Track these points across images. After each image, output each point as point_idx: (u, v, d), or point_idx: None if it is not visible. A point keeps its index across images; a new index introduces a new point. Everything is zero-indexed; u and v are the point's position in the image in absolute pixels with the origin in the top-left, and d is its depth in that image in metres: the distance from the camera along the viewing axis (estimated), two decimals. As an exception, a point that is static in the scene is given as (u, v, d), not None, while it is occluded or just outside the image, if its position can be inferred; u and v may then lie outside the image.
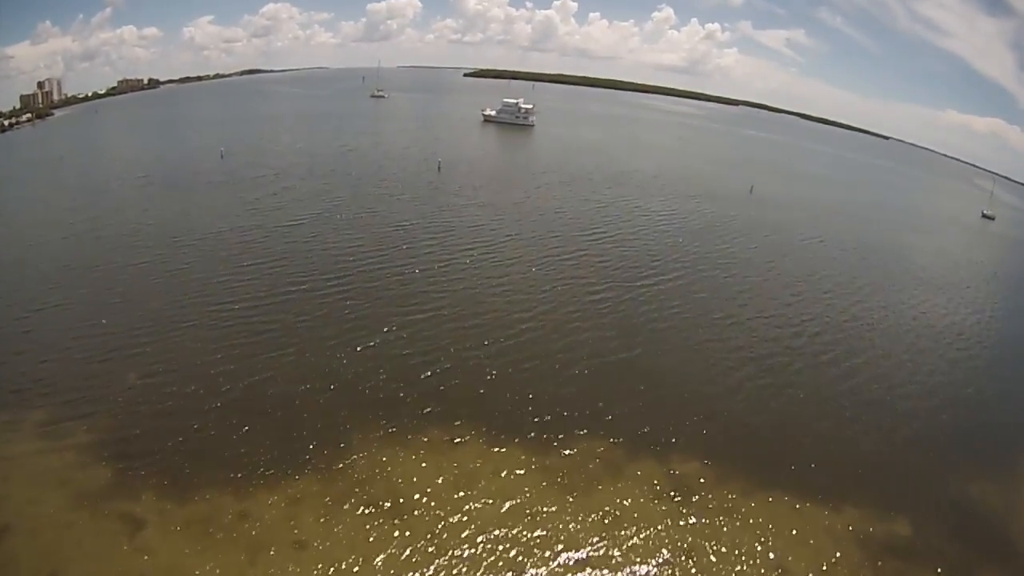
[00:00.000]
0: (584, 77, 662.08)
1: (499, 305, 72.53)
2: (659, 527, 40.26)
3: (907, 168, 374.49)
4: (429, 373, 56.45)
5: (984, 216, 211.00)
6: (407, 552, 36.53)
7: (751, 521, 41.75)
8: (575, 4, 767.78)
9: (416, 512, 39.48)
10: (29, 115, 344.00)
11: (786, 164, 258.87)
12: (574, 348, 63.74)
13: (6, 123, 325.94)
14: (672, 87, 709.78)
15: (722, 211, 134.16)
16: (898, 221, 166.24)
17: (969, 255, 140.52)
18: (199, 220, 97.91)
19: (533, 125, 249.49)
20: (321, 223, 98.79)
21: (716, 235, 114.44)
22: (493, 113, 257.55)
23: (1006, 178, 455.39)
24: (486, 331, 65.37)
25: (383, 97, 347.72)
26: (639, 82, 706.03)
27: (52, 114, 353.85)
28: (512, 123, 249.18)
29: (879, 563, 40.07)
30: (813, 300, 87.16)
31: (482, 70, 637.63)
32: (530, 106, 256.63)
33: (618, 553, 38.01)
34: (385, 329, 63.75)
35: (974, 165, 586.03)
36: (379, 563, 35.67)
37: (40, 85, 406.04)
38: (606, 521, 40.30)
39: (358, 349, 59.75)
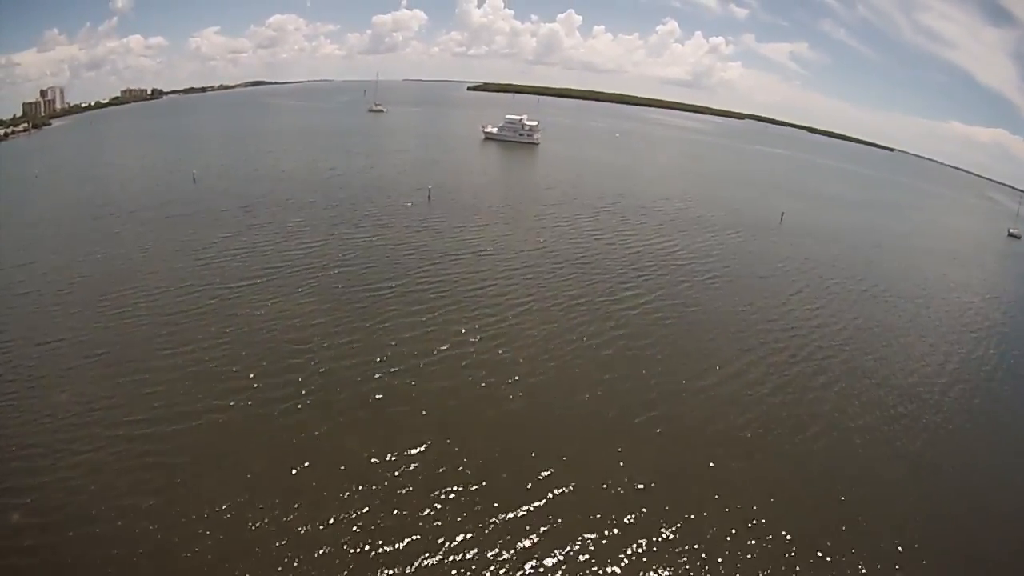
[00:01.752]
0: (590, 91, 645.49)
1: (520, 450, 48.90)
2: None
3: (922, 183, 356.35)
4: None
5: (1010, 235, 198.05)
6: None
7: None
8: (580, 17, 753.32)
9: None
10: (26, 125, 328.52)
11: (807, 184, 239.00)
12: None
13: (1, 132, 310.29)
14: (677, 101, 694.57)
15: (761, 249, 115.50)
16: (936, 252, 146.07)
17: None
18: (138, 274, 79.46)
19: (538, 143, 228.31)
20: (275, 285, 77.79)
21: (768, 287, 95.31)
22: (495, 130, 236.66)
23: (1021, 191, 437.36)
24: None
25: (382, 112, 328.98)
26: (644, 96, 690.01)
27: (50, 124, 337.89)
28: (515, 141, 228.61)
29: None
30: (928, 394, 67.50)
31: (486, 84, 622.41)
32: (534, 123, 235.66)
33: None
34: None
35: (982, 176, 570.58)
36: None
37: (43, 93, 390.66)
38: None
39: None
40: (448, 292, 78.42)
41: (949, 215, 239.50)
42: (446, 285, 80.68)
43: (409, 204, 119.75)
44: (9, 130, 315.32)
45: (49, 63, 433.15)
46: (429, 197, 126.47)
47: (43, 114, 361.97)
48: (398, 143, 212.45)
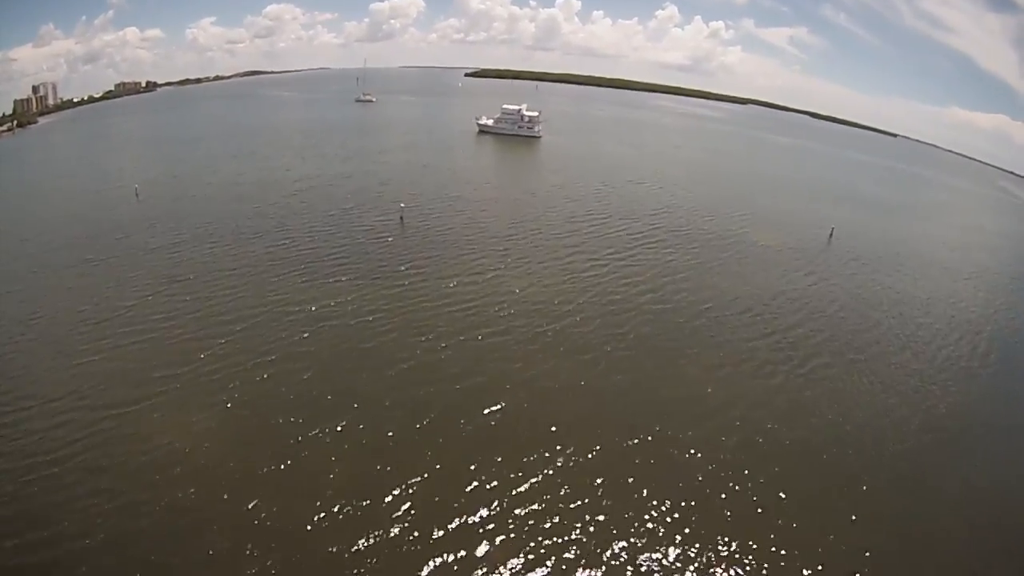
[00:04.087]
0: (590, 76, 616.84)
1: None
2: None
3: (944, 176, 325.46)
4: None
5: None
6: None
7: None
8: (578, 2, 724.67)
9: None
10: (10, 124, 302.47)
11: (838, 182, 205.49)
12: None
13: None
14: (679, 86, 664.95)
15: (821, 290, 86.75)
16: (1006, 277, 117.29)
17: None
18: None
19: (539, 136, 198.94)
20: (180, 363, 56.06)
21: (850, 348, 69.06)
22: (490, 123, 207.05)
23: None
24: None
25: (371, 101, 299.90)
26: (645, 81, 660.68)
27: (36, 122, 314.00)
28: (514, 134, 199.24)
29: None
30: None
31: (484, 70, 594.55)
32: (535, 113, 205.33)
33: None
34: None
35: (988, 164, 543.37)
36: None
37: (35, 90, 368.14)
38: None
39: None
40: (406, 384, 54.08)
41: (980, 214, 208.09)
42: (407, 375, 55.81)
43: (390, 239, 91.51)
44: None
45: (46, 58, 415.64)
46: (402, 219, 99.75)
47: (34, 111, 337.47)
48: (383, 141, 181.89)
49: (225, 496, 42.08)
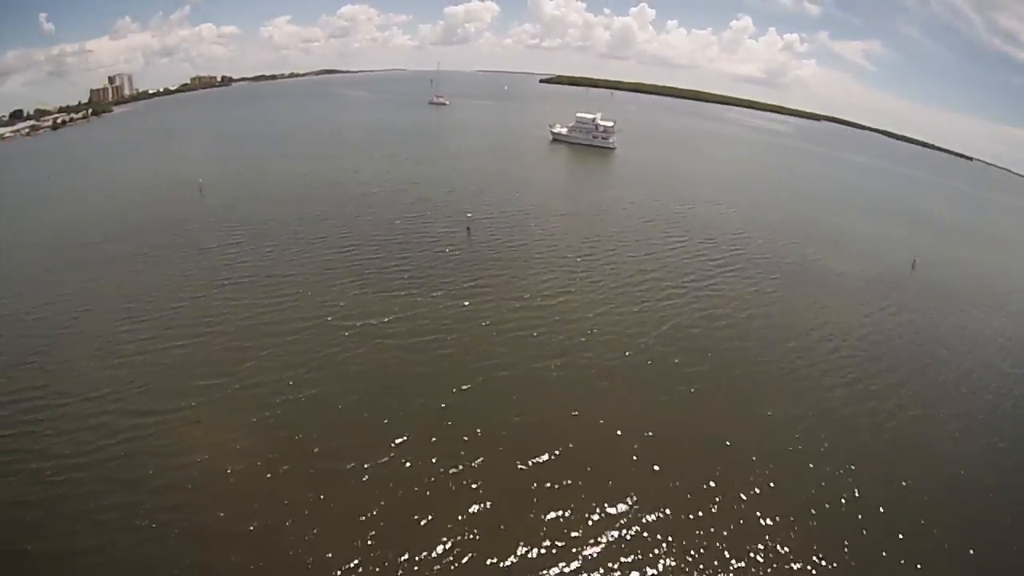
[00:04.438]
0: (664, 87, 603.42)
1: None
2: None
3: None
4: None
5: None
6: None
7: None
8: (653, 11, 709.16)
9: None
10: (85, 112, 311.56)
11: (916, 206, 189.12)
12: None
13: (58, 120, 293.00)
14: (753, 99, 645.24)
15: (908, 331, 76.98)
16: None
17: None
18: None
19: (614, 148, 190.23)
20: (224, 372, 53.31)
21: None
22: (564, 131, 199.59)
23: None
24: None
25: (444, 104, 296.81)
26: (720, 93, 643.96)
27: (111, 111, 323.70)
28: (588, 144, 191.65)
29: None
30: None
31: (558, 76, 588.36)
32: (610, 123, 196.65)
33: None
34: None
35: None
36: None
37: (111, 80, 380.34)
38: None
39: None
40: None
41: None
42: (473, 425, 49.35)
43: (455, 251, 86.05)
44: (68, 117, 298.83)
45: (122, 50, 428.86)
46: (468, 230, 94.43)
47: (110, 100, 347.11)
48: (454, 146, 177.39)
49: (252, 527, 38.24)
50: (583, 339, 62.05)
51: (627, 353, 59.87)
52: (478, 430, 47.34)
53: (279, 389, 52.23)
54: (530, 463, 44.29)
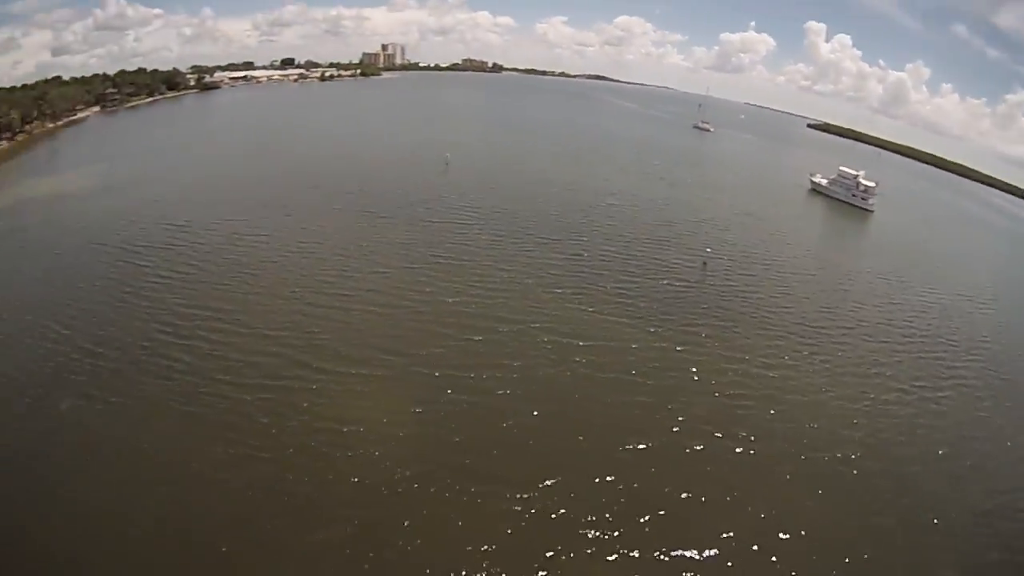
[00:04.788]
0: (932, 155, 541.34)
1: None
2: None
3: None
4: None
5: None
6: None
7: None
8: (928, 71, 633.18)
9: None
10: (354, 71, 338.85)
11: None
12: None
13: (326, 74, 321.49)
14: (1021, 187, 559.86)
15: None
16: None
17: None
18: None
19: (872, 211, 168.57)
20: (406, 348, 53.80)
21: None
22: (824, 183, 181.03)
23: None
24: None
25: (708, 131, 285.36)
26: (986, 172, 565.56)
27: (379, 75, 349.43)
28: (846, 201, 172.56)
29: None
30: None
31: (827, 124, 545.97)
32: (872, 184, 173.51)
33: None
34: None
35: None
36: None
37: (384, 47, 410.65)
38: None
39: None
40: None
41: None
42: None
43: (685, 284, 79.98)
44: (337, 72, 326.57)
45: (398, 23, 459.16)
46: (704, 265, 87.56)
47: (380, 65, 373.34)
48: (710, 176, 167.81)
49: (365, 519, 36.62)
50: (789, 424, 53.22)
51: (826, 457, 49.72)
52: (641, 490, 41.52)
53: (456, 385, 49.97)
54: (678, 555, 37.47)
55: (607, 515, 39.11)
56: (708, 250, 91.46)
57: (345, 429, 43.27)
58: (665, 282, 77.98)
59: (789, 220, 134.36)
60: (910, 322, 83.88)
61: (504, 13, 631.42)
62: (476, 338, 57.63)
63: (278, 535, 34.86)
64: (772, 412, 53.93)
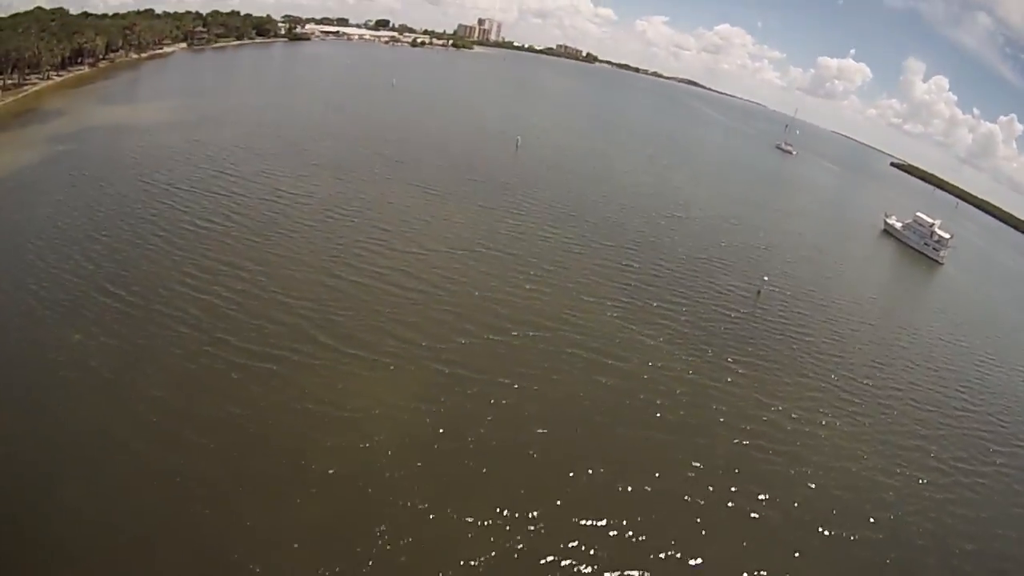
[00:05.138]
0: (1010, 214, 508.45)
1: None
2: None
3: None
4: None
5: None
6: None
7: None
8: (1021, 126, 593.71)
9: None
10: (445, 43, 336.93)
11: None
12: None
13: (417, 40, 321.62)
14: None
15: None
16: None
17: None
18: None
19: (943, 264, 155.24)
20: (426, 333, 49.25)
21: None
22: (898, 226, 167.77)
23: None
24: None
25: (790, 153, 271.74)
26: None
27: (472, 48, 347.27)
28: (917, 249, 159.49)
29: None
30: None
31: (910, 165, 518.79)
32: (947, 235, 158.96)
33: None
34: None
35: None
36: None
37: (480, 21, 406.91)
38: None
39: None
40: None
41: None
42: None
43: (736, 311, 74.14)
44: (429, 40, 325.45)
45: (500, 1, 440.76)
46: (759, 293, 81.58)
47: (474, 39, 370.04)
48: (785, 201, 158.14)
49: (351, 511, 33.34)
50: (812, 489, 46.97)
51: (844, 534, 43.06)
52: (624, 547, 36.03)
53: (465, 386, 45.80)
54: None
55: (582, 565, 34.15)
56: (765, 278, 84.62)
57: (336, 414, 39.91)
58: (714, 307, 71.83)
59: (856, 260, 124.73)
60: (962, 393, 75.39)
61: (606, 4, 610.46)
62: (499, 338, 53.19)
63: (238, 515, 31.35)
64: (796, 472, 47.88)
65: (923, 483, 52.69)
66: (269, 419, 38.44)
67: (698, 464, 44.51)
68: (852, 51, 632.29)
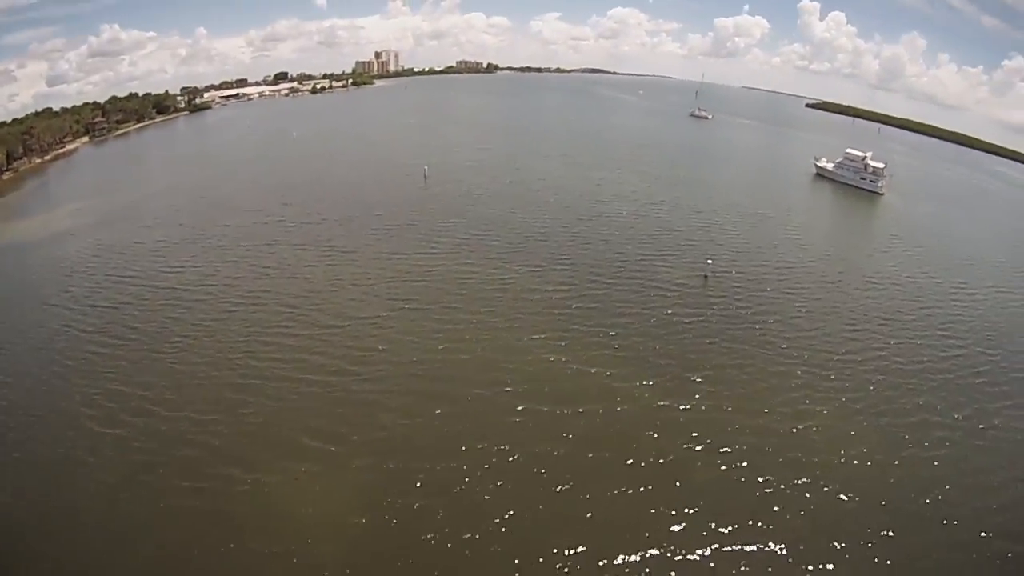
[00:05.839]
0: (931, 127, 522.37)
1: None
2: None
3: None
4: None
5: None
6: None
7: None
8: (924, 42, 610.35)
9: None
10: (345, 83, 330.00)
11: None
12: None
13: (318, 86, 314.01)
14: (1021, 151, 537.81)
15: None
16: None
17: None
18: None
19: (882, 194, 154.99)
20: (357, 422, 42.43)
21: None
22: (830, 167, 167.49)
23: None
24: None
25: (706, 119, 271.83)
26: (987, 141, 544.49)
27: (372, 83, 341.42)
28: (854, 185, 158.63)
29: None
30: None
31: (825, 103, 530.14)
32: (881, 165, 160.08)
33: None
34: None
35: None
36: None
37: (377, 55, 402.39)
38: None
39: None
40: None
41: None
42: None
43: (682, 305, 68.87)
44: (329, 84, 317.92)
45: (393, 29, 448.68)
46: (706, 279, 77.12)
47: (374, 73, 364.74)
48: (713, 172, 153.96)
49: None
50: (816, 503, 41.52)
51: (871, 543, 38.56)
52: None
53: (410, 476, 40.59)
54: None
55: None
56: (709, 261, 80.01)
57: (273, 549, 33.39)
58: (664, 312, 66.51)
59: (798, 214, 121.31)
60: (944, 333, 71.65)
61: (498, 13, 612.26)
62: (433, 413, 46.73)
63: None
64: (795, 492, 42.62)
65: (933, 453, 48.48)
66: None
67: (674, 513, 39.06)
68: (746, 7, 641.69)
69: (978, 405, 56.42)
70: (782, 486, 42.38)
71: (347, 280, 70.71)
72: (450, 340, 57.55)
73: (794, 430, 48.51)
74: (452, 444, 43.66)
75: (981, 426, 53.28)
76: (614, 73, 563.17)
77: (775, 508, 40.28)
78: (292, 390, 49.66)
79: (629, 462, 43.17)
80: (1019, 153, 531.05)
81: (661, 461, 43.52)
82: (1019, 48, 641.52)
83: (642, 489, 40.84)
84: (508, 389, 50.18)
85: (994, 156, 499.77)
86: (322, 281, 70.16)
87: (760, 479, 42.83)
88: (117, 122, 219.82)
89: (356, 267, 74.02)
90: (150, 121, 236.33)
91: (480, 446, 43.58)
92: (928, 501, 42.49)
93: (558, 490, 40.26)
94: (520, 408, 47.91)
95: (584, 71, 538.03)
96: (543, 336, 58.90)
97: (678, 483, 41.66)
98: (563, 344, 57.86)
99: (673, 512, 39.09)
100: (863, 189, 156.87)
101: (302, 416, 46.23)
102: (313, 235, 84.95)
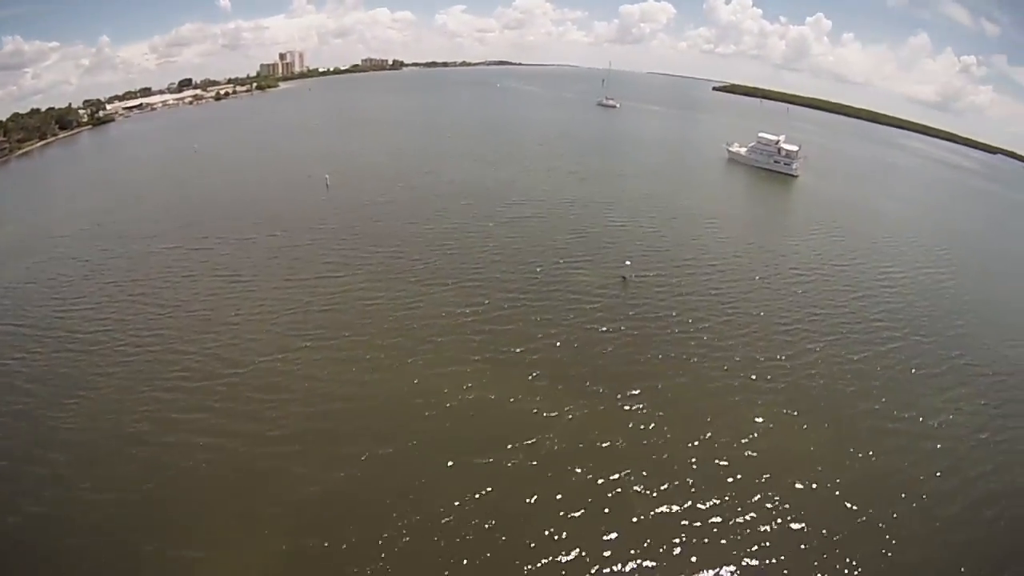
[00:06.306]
0: (838, 104, 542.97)
1: None
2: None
3: None
4: None
5: None
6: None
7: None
8: (829, 22, 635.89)
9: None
10: (250, 87, 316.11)
11: None
12: None
13: (222, 92, 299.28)
14: (926, 124, 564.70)
15: None
16: None
17: None
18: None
19: (797, 176, 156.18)
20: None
21: None
22: (743, 151, 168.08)
23: None
24: None
25: (613, 107, 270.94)
26: (893, 115, 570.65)
27: (277, 87, 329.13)
28: (769, 168, 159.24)
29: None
30: None
31: (732, 85, 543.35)
32: (794, 148, 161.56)
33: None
34: None
35: None
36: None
37: (281, 56, 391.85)
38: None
39: None
40: None
41: None
42: None
43: (600, 310, 63.70)
44: (233, 89, 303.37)
45: (298, 29, 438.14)
46: (624, 280, 73.14)
47: (279, 76, 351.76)
48: (623, 162, 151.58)
49: None
50: (787, 534, 37.41)
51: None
52: None
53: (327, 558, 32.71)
54: None
55: None
56: (627, 263, 75.40)
57: None
58: (586, 327, 61.27)
59: (715, 203, 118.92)
60: (881, 322, 69.77)
61: (403, 8, 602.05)
62: (341, 473, 39.97)
63: None
64: (744, 520, 38.25)
65: (891, 457, 45.80)
66: None
67: (631, 551, 33.85)
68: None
69: (924, 401, 53.80)
70: (728, 516, 38.09)
71: (246, 314, 62.43)
72: (358, 382, 50.42)
73: (745, 460, 43.95)
74: (358, 512, 37.07)
75: (931, 423, 50.47)
76: (521, 64, 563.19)
77: (722, 541, 35.87)
78: (190, 456, 41.75)
79: (561, 513, 37.57)
80: (925, 126, 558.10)
81: (594, 510, 38.09)
82: (923, 25, 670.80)
83: (575, 539, 35.42)
84: (420, 439, 43.68)
85: (901, 130, 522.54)
86: (220, 319, 61.59)
87: (704, 506, 38.50)
88: (18, 141, 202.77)
89: (256, 299, 65.63)
90: (53, 138, 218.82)
91: (399, 508, 37.23)
92: (883, 525, 38.76)
93: (493, 544, 34.49)
94: (434, 463, 41.52)
95: (490, 63, 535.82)
96: (459, 368, 52.60)
97: (620, 520, 36.42)
98: (481, 372, 51.85)
99: (619, 552, 33.95)
100: (777, 172, 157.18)
101: (201, 491, 38.73)
102: (212, 262, 75.93)
